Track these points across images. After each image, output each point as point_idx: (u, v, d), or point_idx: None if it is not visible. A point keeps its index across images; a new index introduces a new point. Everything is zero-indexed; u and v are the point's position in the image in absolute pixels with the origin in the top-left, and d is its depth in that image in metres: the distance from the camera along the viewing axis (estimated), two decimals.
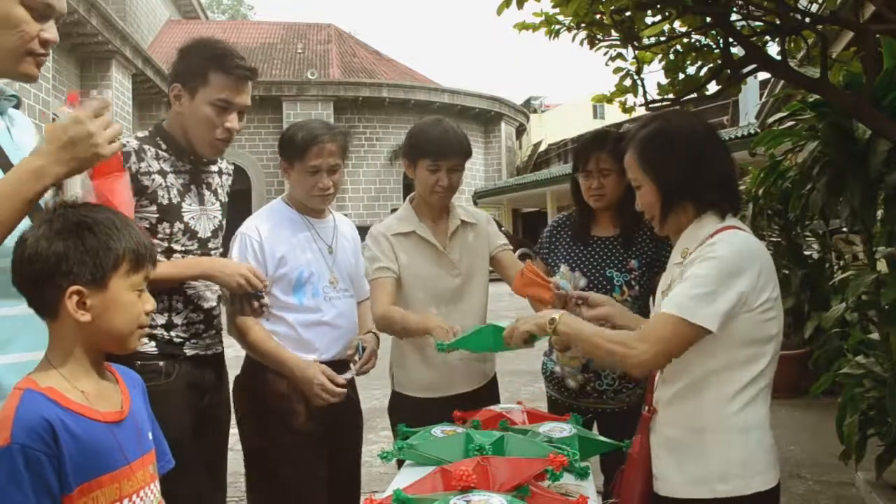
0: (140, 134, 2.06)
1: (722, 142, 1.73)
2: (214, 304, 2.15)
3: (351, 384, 2.50)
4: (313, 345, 2.31)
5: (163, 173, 2.00)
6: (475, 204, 26.24)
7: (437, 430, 1.88)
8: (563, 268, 2.55)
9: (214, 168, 2.18)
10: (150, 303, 1.33)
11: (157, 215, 1.98)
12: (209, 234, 2.11)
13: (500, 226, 21.77)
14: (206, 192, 2.12)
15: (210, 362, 2.13)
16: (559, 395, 2.56)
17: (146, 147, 1.99)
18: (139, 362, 1.85)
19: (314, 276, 2.33)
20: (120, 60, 17.18)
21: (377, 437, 5.05)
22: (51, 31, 1.50)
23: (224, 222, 2.21)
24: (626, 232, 2.49)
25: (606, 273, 2.46)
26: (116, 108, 17.08)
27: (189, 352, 2.04)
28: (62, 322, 1.24)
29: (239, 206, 2.22)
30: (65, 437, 1.16)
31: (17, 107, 1.62)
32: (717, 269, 1.52)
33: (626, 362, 1.55)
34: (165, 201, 1.99)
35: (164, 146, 2.04)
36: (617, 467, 1.88)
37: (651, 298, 2.46)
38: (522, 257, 21.66)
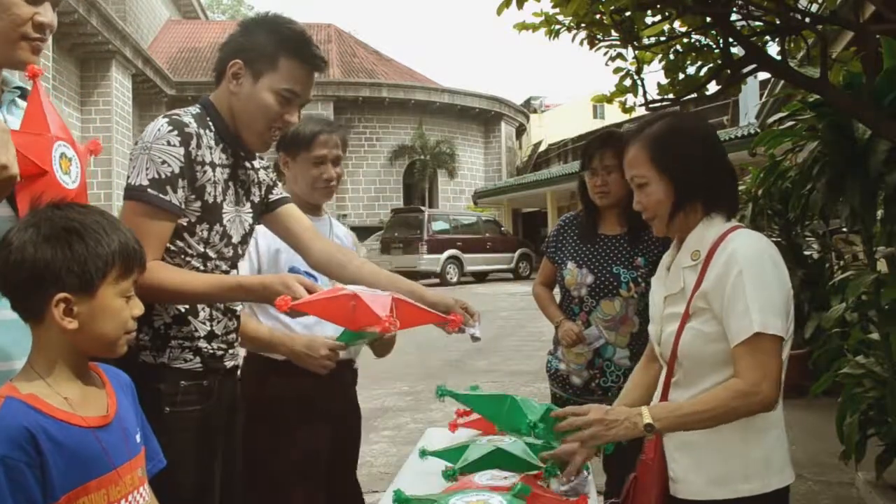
0: (193, 110, 1.76)
1: (722, 144, 1.73)
2: (241, 308, 1.97)
3: (351, 385, 2.49)
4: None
5: (213, 166, 1.73)
6: (475, 204, 26.26)
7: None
8: (571, 265, 2.57)
9: (256, 164, 1.93)
10: (138, 307, 1.30)
11: (198, 213, 1.71)
12: (240, 240, 1.86)
13: (499, 226, 21.59)
14: (241, 191, 1.86)
15: (235, 372, 1.97)
16: (564, 392, 2.59)
17: (202, 132, 1.71)
18: (183, 382, 1.69)
19: (306, 275, 2.25)
20: (120, 60, 17.19)
21: (377, 437, 5.05)
22: (46, 14, 1.41)
23: (255, 226, 1.96)
24: (633, 230, 2.53)
25: (613, 270, 2.50)
26: (116, 108, 17.10)
27: (228, 364, 1.84)
28: (47, 328, 1.21)
29: None
30: (47, 446, 1.14)
31: (25, 98, 1.51)
32: (758, 275, 1.51)
33: (755, 409, 1.51)
34: (211, 199, 1.72)
35: (213, 127, 1.75)
36: (620, 466, 1.88)
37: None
38: (522, 257, 21.51)
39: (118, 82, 17.26)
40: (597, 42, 3.05)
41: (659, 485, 1.65)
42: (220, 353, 1.79)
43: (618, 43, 3.07)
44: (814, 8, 3.13)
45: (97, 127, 16.58)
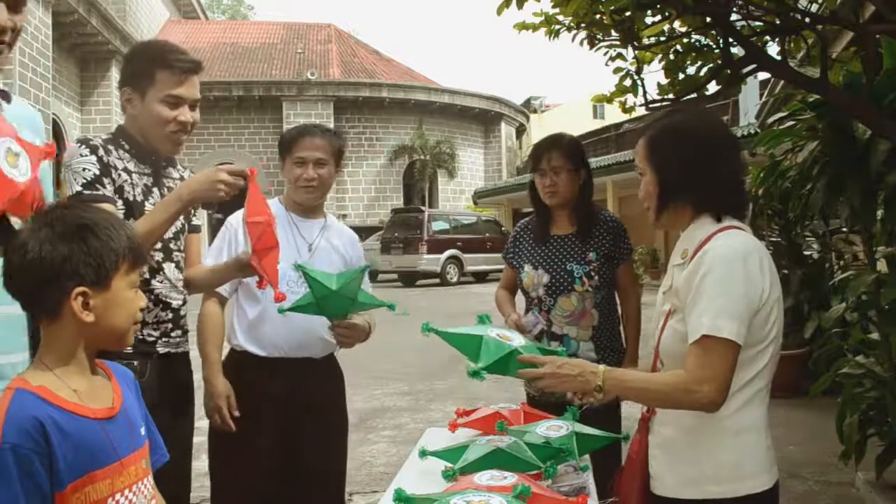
0: (104, 136, 2.10)
1: (735, 145, 1.71)
2: (181, 303, 2.18)
3: (339, 383, 2.53)
4: (266, 337, 2.36)
5: (127, 171, 2.04)
6: (475, 204, 26.26)
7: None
8: (527, 267, 2.64)
9: (176, 175, 2.22)
10: (143, 299, 1.36)
11: (123, 210, 1.99)
12: (171, 236, 2.13)
13: (499, 226, 21.54)
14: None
15: (180, 360, 2.19)
16: (535, 391, 2.65)
17: (110, 146, 2.04)
18: (116, 361, 1.87)
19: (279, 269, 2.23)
20: (120, 60, 17.12)
21: (377, 437, 5.05)
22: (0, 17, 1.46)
23: (187, 224, 2.25)
24: (583, 228, 2.62)
25: (567, 267, 2.59)
26: (116, 108, 17.10)
27: (161, 350, 2.09)
28: (62, 323, 1.25)
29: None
30: (56, 436, 1.18)
31: (7, 100, 1.57)
32: (722, 277, 1.50)
33: (694, 406, 1.52)
34: (131, 198, 2.02)
35: (126, 147, 2.08)
36: (604, 462, 1.90)
37: (615, 290, 2.67)
38: None
39: (118, 82, 17.28)
40: (597, 42, 3.06)
41: (640, 481, 1.68)
42: (150, 339, 2.05)
43: (618, 43, 3.07)
44: (814, 8, 3.13)
45: (97, 127, 16.58)
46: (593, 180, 2.70)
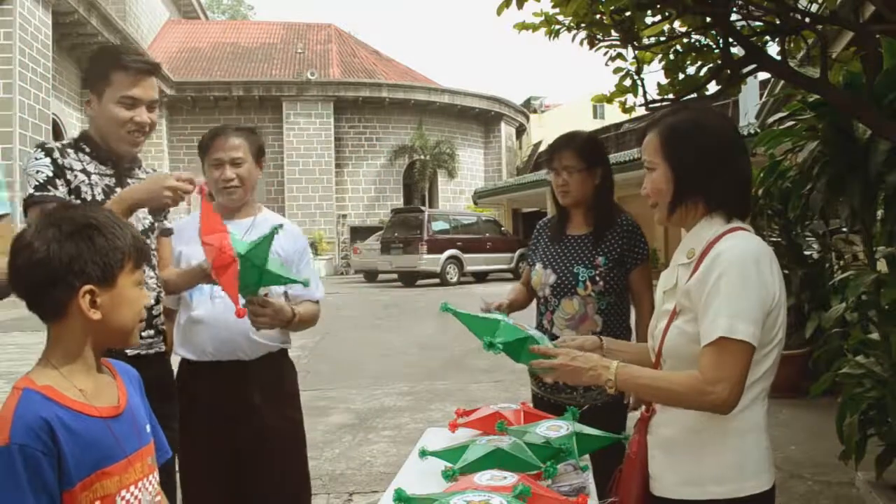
0: (66, 140, 2.16)
1: (745, 146, 1.69)
2: (153, 302, 2.16)
3: (284, 386, 2.48)
4: (194, 341, 2.36)
5: (86, 173, 2.09)
6: (475, 204, 26.27)
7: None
8: (538, 265, 2.64)
9: (142, 175, 2.25)
10: (146, 297, 1.38)
11: None
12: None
13: (499, 226, 21.49)
14: None
15: (152, 361, 2.16)
16: (539, 390, 2.66)
17: (68, 150, 2.10)
18: None
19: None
20: None
21: (377, 437, 5.05)
22: None
23: (156, 223, 2.28)
24: (598, 230, 2.58)
25: (573, 269, 2.56)
26: None
27: (129, 351, 2.00)
28: (69, 322, 1.27)
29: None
30: (63, 435, 1.19)
31: None
32: (738, 279, 1.50)
33: (706, 407, 1.51)
34: (89, 197, 2.06)
35: (87, 149, 2.14)
36: (604, 462, 1.90)
37: (629, 295, 2.60)
38: (523, 257, 21.61)
39: None
40: (597, 42, 3.06)
41: (639, 482, 1.67)
42: None
43: (618, 43, 3.07)
44: (814, 8, 3.12)
45: None
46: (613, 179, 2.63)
